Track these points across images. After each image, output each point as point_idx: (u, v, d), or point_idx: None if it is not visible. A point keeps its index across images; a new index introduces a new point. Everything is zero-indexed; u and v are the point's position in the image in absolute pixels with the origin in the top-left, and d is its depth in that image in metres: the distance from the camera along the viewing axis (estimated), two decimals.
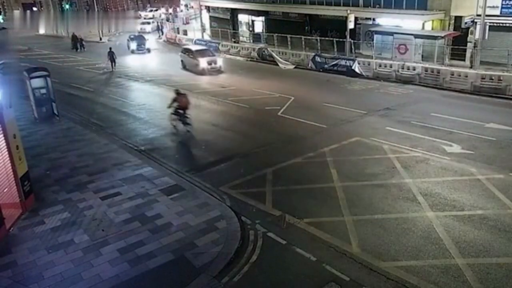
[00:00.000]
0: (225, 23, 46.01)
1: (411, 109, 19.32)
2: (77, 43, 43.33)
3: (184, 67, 31.16)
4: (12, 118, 10.43)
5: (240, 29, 45.36)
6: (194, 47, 33.18)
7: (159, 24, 54.66)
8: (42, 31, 60.47)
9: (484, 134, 15.43)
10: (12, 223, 9.98)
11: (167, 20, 56.55)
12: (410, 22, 29.45)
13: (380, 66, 26.47)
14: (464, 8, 26.76)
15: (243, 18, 45.18)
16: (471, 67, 24.42)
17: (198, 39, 42.56)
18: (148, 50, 39.59)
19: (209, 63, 29.07)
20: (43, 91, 18.08)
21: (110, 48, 32.10)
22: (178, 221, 10.10)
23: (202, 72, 28.72)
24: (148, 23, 56.70)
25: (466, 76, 22.61)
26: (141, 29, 53.16)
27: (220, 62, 29.74)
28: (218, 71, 29.40)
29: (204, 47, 33.51)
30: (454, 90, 22.63)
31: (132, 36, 41.78)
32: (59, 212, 10.62)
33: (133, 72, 31.06)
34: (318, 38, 31.93)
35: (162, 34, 51.02)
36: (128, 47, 39.93)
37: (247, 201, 11.23)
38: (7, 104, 10.13)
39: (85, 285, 8.03)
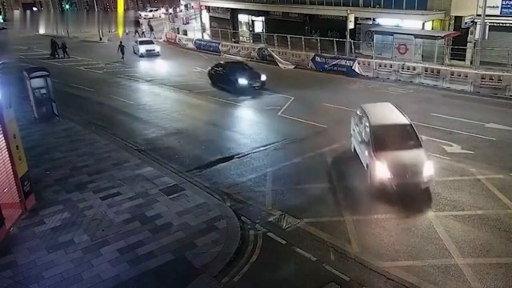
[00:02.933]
0: (225, 23, 46.05)
1: (411, 109, 19.23)
2: (56, 49, 37.38)
3: (354, 152, 13.86)
4: (12, 118, 10.42)
5: (240, 29, 45.43)
6: (379, 119, 12.55)
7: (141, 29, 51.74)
8: (42, 31, 60.51)
9: (484, 134, 15.43)
10: (12, 223, 9.98)
11: (169, 19, 55.28)
12: (410, 22, 29.49)
13: (380, 66, 26.46)
14: (464, 8, 26.78)
15: (243, 18, 45.26)
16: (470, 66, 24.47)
17: (198, 39, 42.60)
18: (263, 84, 23.69)
19: (403, 172, 10.96)
20: (43, 91, 18.07)
21: (121, 42, 36.41)
22: (178, 221, 10.10)
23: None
24: (151, 42, 39.60)
25: (466, 76, 22.60)
26: (146, 52, 37.08)
27: (429, 167, 11.12)
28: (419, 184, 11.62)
29: (400, 121, 12.44)
30: (454, 90, 22.64)
31: (229, 67, 25.10)
32: (59, 212, 10.62)
33: None
34: (318, 38, 31.93)
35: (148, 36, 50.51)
36: (236, 84, 23.15)
37: (247, 201, 11.24)
38: (7, 104, 10.13)
39: (85, 285, 8.02)
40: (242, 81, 23.06)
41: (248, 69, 24.69)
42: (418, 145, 11.53)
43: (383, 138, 11.58)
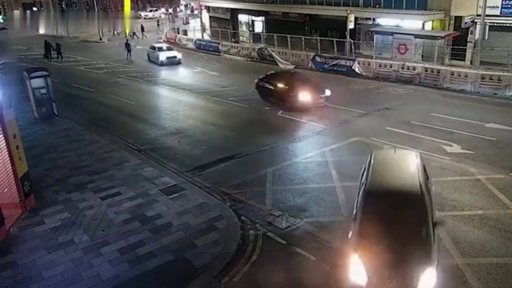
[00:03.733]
0: (225, 23, 46.05)
1: (411, 109, 19.32)
2: (50, 51, 36.01)
3: None
4: (12, 118, 10.43)
5: (240, 29, 45.43)
6: None
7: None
8: (42, 31, 60.51)
9: (484, 134, 15.43)
10: (12, 223, 9.98)
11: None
12: (410, 22, 29.49)
13: (380, 66, 26.44)
14: (464, 8, 26.79)
15: (243, 18, 45.27)
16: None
17: (198, 39, 42.58)
18: (327, 101, 19.87)
19: (385, 279, 7.01)
20: (43, 91, 18.07)
21: (127, 40, 38.03)
22: (178, 221, 10.10)
23: None
24: (171, 48, 35.28)
25: (466, 76, 22.60)
26: (167, 59, 32.99)
27: (430, 278, 6.97)
28: None
29: (407, 188, 7.99)
30: (454, 90, 22.64)
31: (285, 79, 20.46)
32: (59, 212, 10.62)
33: None
34: (318, 38, 31.94)
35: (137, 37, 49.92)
36: (296, 100, 19.16)
37: (247, 201, 11.23)
38: (7, 104, 10.14)
39: (85, 285, 8.03)
40: (304, 97, 19.07)
41: (308, 81, 20.24)
42: (425, 233, 7.19)
43: (377, 215, 7.40)
